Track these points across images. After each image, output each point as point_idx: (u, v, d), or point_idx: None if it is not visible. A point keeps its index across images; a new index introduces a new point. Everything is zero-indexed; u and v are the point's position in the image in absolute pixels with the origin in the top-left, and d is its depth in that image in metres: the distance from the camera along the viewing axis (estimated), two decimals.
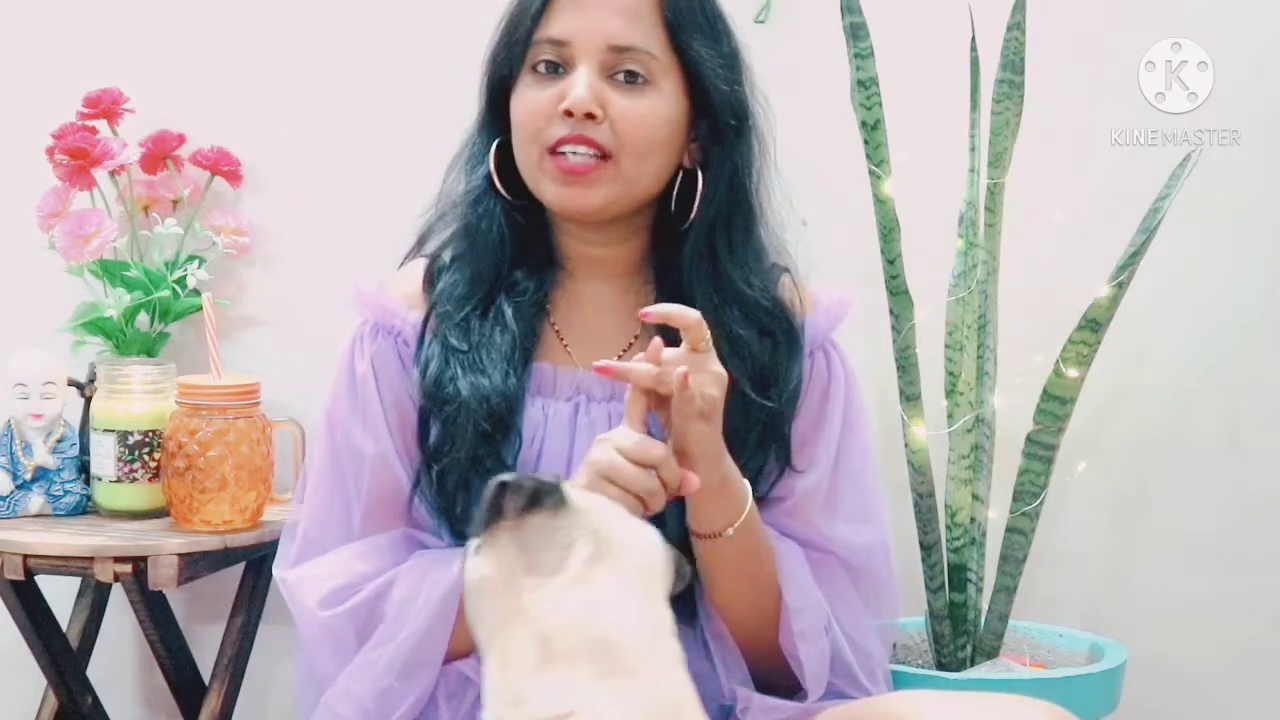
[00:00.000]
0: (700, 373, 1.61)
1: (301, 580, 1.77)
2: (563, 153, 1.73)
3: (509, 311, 1.78)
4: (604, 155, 1.73)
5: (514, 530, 1.37)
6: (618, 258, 1.82)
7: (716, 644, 1.76)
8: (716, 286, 1.77)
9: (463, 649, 1.69)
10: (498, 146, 1.80)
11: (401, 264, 1.88)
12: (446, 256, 1.83)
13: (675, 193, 1.79)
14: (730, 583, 1.73)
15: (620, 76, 1.73)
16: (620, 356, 1.79)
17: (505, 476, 1.39)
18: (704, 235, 1.78)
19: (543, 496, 1.37)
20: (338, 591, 1.74)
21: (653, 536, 1.45)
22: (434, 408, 1.76)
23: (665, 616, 1.38)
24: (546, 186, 1.75)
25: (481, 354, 1.76)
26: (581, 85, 1.72)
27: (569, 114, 1.71)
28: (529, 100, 1.75)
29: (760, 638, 1.75)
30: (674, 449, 1.62)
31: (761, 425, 1.75)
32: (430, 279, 1.83)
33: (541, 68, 1.75)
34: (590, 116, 1.71)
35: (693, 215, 1.77)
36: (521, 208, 1.80)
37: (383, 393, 1.79)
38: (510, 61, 1.77)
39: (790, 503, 1.78)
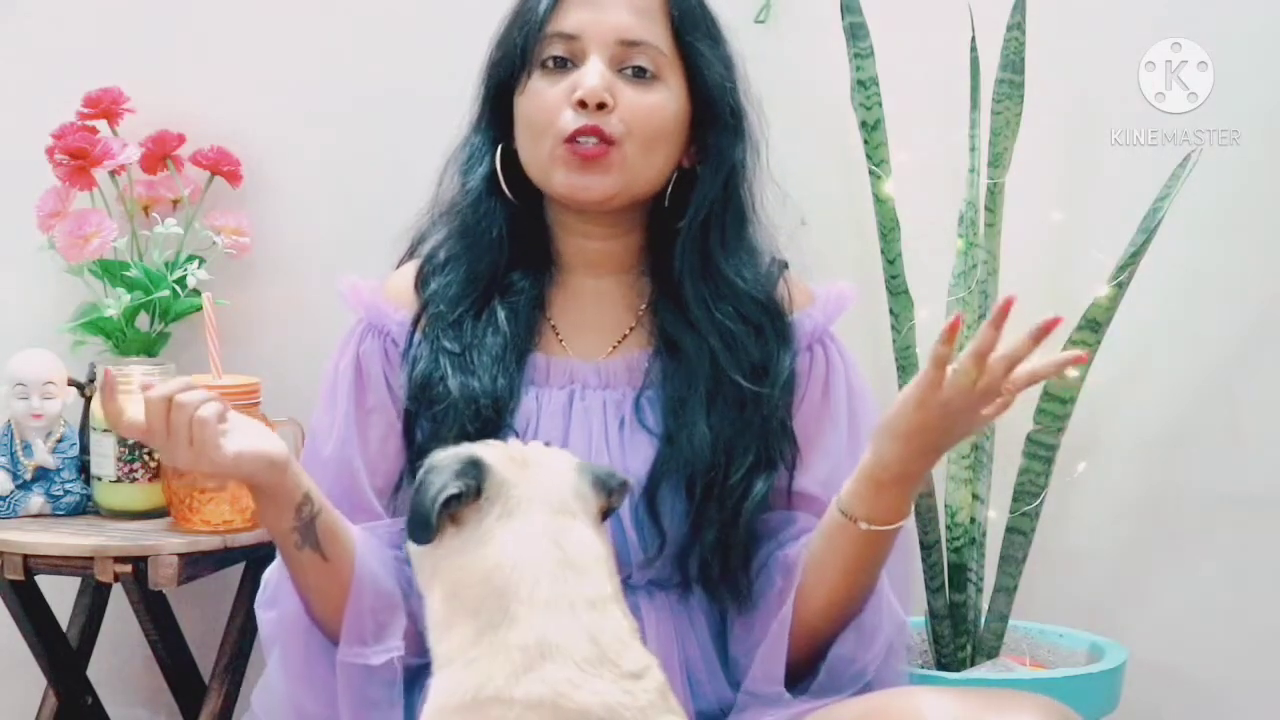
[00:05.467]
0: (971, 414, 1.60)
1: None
2: (577, 142, 1.74)
3: (503, 313, 1.79)
4: (611, 143, 1.74)
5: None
6: (614, 253, 1.83)
7: (769, 638, 1.73)
8: (708, 281, 1.78)
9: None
10: (500, 149, 1.81)
11: (397, 267, 1.89)
12: (440, 258, 1.84)
13: (669, 190, 1.80)
14: (834, 573, 1.70)
15: (629, 72, 1.75)
16: (614, 348, 1.81)
17: (443, 489, 1.48)
18: (698, 232, 1.79)
19: (465, 496, 1.50)
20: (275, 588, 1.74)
21: (563, 475, 1.53)
22: (422, 407, 1.76)
23: (578, 547, 1.49)
24: (558, 174, 1.76)
25: (473, 355, 1.77)
26: (594, 75, 1.74)
27: (582, 104, 1.73)
28: (540, 94, 1.76)
29: (820, 634, 1.74)
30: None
31: (761, 418, 1.74)
32: (422, 280, 1.83)
33: (550, 63, 1.76)
34: (601, 106, 1.73)
35: (689, 213, 1.78)
36: (521, 208, 1.81)
37: (361, 395, 1.80)
38: (515, 61, 1.78)
39: (811, 496, 1.77)
